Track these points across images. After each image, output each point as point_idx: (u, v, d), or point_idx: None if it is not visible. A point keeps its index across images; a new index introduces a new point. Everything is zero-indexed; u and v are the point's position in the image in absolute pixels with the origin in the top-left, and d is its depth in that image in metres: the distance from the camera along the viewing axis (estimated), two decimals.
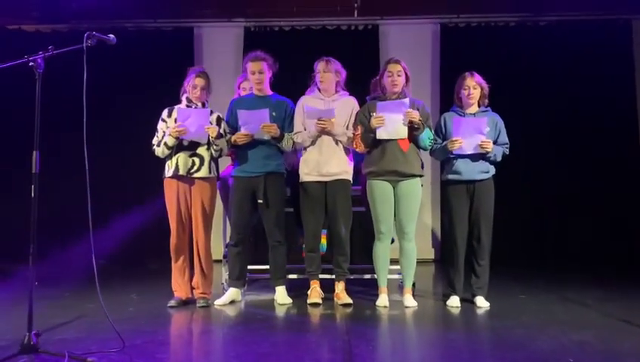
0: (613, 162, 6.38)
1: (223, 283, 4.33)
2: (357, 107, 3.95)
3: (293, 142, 3.90)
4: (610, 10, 6.46)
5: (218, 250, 4.68)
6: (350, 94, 4.01)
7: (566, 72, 6.43)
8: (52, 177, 5.68)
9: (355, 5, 6.47)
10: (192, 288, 3.88)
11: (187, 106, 3.78)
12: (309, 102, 3.90)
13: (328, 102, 3.91)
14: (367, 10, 6.58)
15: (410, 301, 3.79)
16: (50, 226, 5.84)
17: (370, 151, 3.82)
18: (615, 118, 6.42)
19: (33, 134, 2.56)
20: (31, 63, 2.42)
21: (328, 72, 3.88)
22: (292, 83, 4.23)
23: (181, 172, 3.74)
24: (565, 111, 6.43)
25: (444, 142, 3.77)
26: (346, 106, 3.93)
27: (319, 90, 3.95)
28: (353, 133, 3.84)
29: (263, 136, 3.80)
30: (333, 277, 3.96)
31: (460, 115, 3.82)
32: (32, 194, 2.44)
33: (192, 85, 3.78)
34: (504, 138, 3.84)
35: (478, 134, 3.69)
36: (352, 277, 4.24)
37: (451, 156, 3.78)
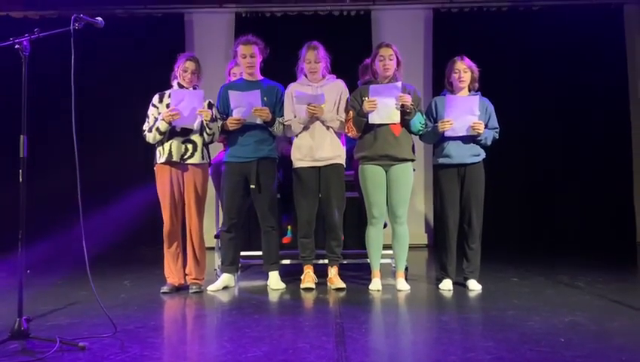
0: (605, 147, 6.41)
1: (216, 269, 4.33)
2: (345, 89, 3.92)
3: (284, 127, 3.88)
4: None
5: (210, 238, 4.66)
6: (337, 77, 3.98)
7: (558, 57, 6.44)
8: (42, 163, 5.70)
9: None
10: (185, 274, 3.88)
11: None
12: (297, 89, 3.87)
13: (316, 88, 3.88)
14: None
15: (402, 284, 3.80)
16: (43, 214, 5.83)
17: (362, 136, 3.81)
18: (607, 102, 6.45)
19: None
20: (17, 46, 2.37)
21: (318, 63, 3.85)
22: (283, 69, 4.20)
23: (174, 158, 3.72)
24: (557, 96, 6.46)
25: (435, 125, 3.77)
26: (335, 89, 3.89)
27: (306, 76, 3.92)
28: (345, 118, 3.83)
29: (254, 119, 3.77)
30: (327, 262, 3.97)
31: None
32: (21, 179, 2.41)
33: (183, 69, 3.76)
34: (494, 122, 3.84)
35: (470, 115, 3.68)
36: (345, 262, 4.24)
37: (443, 139, 3.77)
